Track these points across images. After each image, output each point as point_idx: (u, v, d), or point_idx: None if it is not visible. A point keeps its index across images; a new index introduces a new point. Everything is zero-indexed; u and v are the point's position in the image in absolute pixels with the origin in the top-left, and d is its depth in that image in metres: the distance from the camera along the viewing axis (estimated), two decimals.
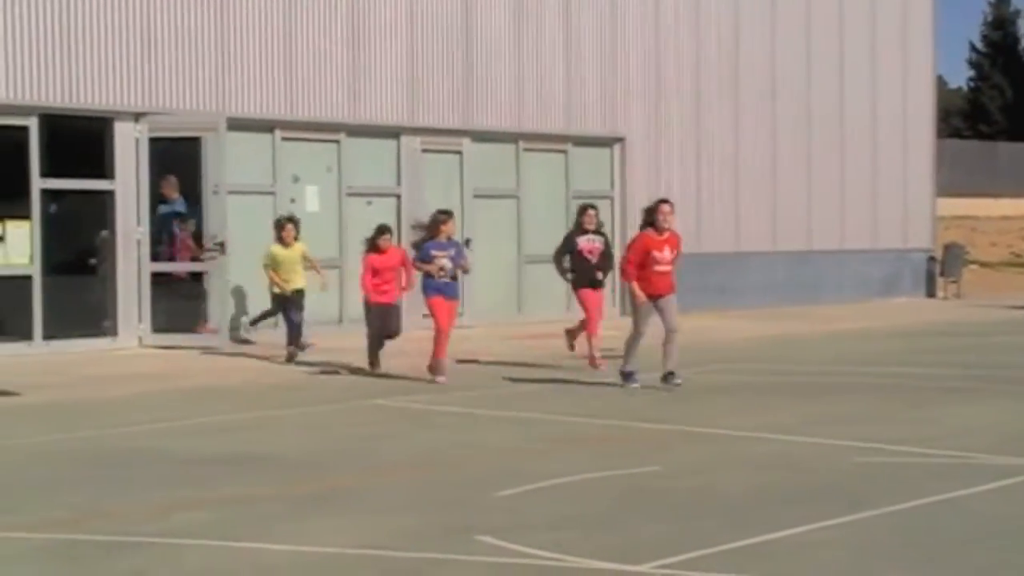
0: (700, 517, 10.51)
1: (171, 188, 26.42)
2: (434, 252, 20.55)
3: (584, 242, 22.02)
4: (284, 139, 27.84)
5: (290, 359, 23.22)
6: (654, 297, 18.71)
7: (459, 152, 30.56)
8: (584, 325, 22.11)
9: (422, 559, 9.25)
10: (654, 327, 18.62)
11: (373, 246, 21.69)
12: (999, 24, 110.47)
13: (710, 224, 33.86)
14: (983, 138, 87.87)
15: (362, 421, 16.62)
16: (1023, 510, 10.96)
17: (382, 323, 21.54)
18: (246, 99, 27.13)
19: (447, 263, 20.43)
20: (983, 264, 49.07)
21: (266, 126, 27.50)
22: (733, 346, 22.87)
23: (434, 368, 20.49)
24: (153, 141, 25.82)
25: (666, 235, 19.03)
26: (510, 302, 30.34)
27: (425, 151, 29.96)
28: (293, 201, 27.33)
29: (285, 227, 23.80)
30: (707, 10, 34.99)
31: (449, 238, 21.10)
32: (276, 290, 23.72)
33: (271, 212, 26.97)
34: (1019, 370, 21.53)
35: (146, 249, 25.69)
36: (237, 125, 26.39)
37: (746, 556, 9.25)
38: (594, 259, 22.00)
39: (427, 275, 20.63)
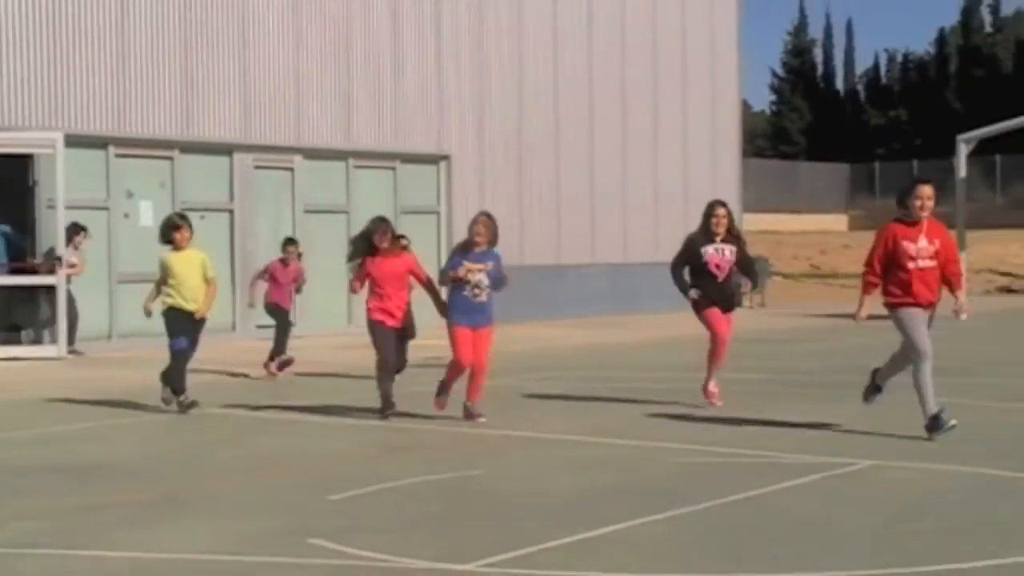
0: (525, 517, 10.52)
1: None
2: (467, 264, 15.75)
3: (712, 253, 16.71)
4: (117, 155, 27.47)
5: (171, 403, 17.31)
6: (920, 306, 13.73)
7: (291, 169, 30.42)
8: (712, 354, 17.07)
9: (258, 563, 9.11)
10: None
11: (368, 245, 16.46)
12: (798, 52, 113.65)
13: (532, 238, 34.02)
14: (785, 158, 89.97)
15: (199, 429, 16.25)
16: (818, 505, 11.23)
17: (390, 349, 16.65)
18: (79, 116, 26.68)
19: (483, 278, 15.79)
20: (785, 276, 50.03)
21: (100, 142, 27.08)
22: (557, 354, 22.87)
23: (437, 399, 16.53)
24: None
25: (924, 223, 13.69)
26: (340, 313, 30.00)
27: (257, 167, 29.78)
28: (127, 216, 27.25)
29: (179, 227, 17.61)
30: (528, 36, 35.29)
31: (489, 247, 16.16)
32: (168, 301, 17.42)
33: (105, 226, 26.57)
34: (826, 375, 22.17)
35: None
36: (71, 142, 25.83)
37: (569, 552, 9.31)
38: (721, 276, 16.72)
39: (454, 292, 16.01)
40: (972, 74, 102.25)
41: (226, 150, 29.11)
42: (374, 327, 16.25)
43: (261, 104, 29.55)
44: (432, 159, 33.15)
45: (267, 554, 9.33)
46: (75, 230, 25.63)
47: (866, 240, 45.43)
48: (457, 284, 15.89)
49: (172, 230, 17.43)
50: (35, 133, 25.70)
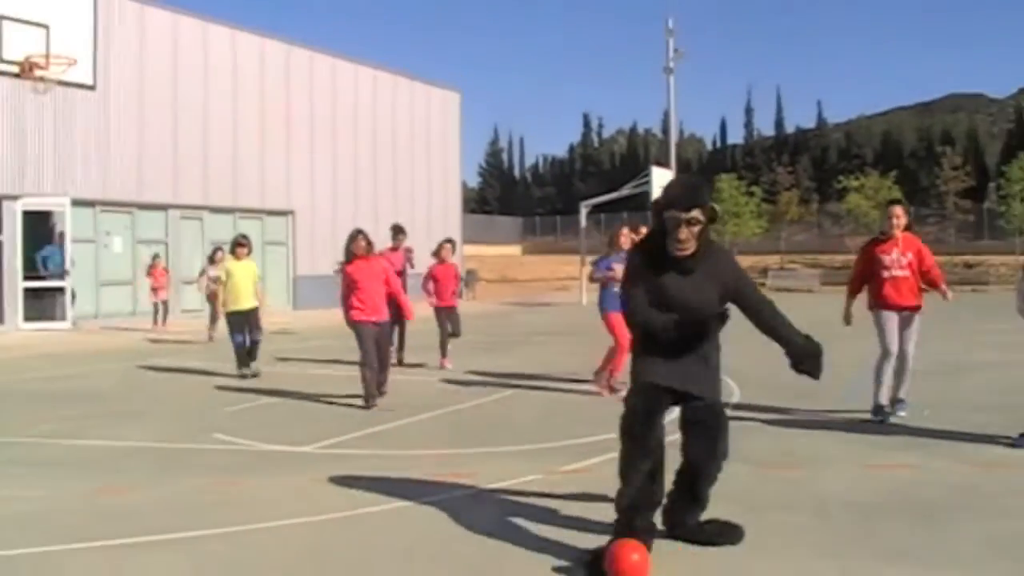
0: (338, 420, 10.50)
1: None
2: (615, 265, 12.07)
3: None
4: (101, 211, 26.79)
5: (252, 376, 14.33)
6: (893, 309, 9.97)
7: (201, 219, 29.75)
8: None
9: (182, 448, 9.16)
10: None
11: (349, 254, 11.81)
12: (494, 154, 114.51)
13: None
14: (486, 213, 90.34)
15: (144, 373, 15.55)
16: (505, 410, 11.20)
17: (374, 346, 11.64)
18: (79, 187, 25.96)
19: None
20: (488, 280, 50.28)
21: (90, 203, 26.36)
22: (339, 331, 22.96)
23: (611, 384, 12.16)
24: (26, 213, 24.62)
25: (899, 238, 10.06)
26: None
27: (183, 218, 29.15)
28: (106, 246, 26.53)
29: (243, 245, 14.67)
30: (340, 143, 35.14)
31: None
32: (230, 308, 14.56)
33: (93, 252, 26.06)
34: (511, 336, 21.69)
35: (20, 271, 24.31)
36: (74, 203, 25.32)
37: (363, 439, 9.38)
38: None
39: (604, 288, 12.31)
40: (588, 169, 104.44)
41: (163, 207, 28.48)
42: (356, 326, 11.55)
43: (186, 180, 29.13)
44: (284, 213, 32.62)
45: (188, 442, 9.37)
46: (216, 251, 22.05)
47: (532, 262, 45.22)
48: (609, 282, 12.17)
49: (237, 246, 14.63)
50: (53, 198, 25.00)
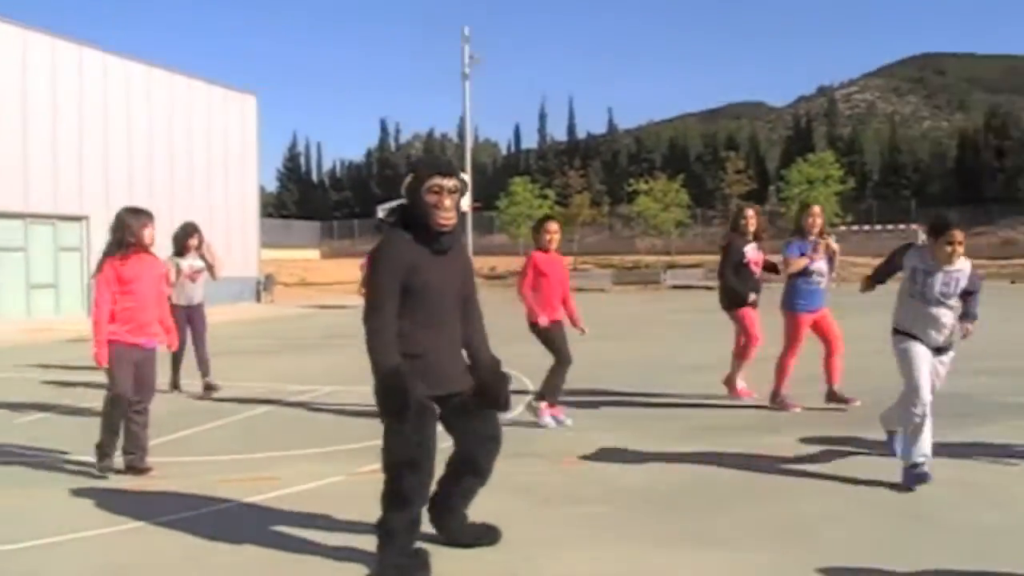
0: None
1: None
2: (810, 254, 9.97)
3: (751, 251, 10.81)
4: None
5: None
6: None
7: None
8: (744, 352, 10.83)
9: None
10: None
11: (120, 244, 7.79)
12: (292, 158, 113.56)
13: None
14: (284, 218, 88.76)
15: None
16: (302, 414, 11.08)
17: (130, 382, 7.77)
18: None
19: (823, 265, 9.97)
20: (286, 284, 49.74)
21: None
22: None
23: (781, 400, 10.26)
24: None
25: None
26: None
27: None
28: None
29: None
30: (137, 148, 33.94)
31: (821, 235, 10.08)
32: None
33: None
34: (315, 339, 21.41)
35: None
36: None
37: (161, 446, 9.12)
38: (758, 271, 10.83)
39: (798, 280, 10.00)
40: (385, 173, 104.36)
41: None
42: (114, 349, 7.66)
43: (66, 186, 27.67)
44: (78, 218, 31.17)
45: None
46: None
47: (330, 265, 44.47)
48: (798, 273, 10.00)
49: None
50: None
